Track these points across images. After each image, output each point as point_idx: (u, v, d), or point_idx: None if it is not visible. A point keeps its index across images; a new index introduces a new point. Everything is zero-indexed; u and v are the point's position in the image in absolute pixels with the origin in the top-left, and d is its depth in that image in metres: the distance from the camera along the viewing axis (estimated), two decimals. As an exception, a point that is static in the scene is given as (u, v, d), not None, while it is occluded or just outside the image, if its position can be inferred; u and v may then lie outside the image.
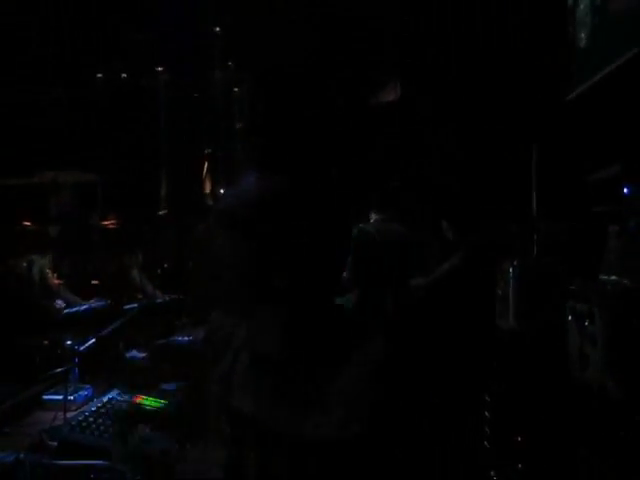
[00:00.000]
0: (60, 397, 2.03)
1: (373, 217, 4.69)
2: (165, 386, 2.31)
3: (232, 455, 1.34)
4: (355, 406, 1.26)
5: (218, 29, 8.45)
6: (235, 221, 1.30)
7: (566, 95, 5.61)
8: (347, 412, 1.24)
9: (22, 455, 1.59)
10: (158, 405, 2.03)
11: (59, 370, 2.22)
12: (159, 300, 3.86)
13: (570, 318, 2.66)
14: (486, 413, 3.72)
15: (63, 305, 5.05)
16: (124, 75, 9.24)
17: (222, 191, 4.50)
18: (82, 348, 2.31)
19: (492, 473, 3.42)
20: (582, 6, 5.32)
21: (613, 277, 3.02)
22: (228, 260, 1.30)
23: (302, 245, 1.27)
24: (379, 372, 1.33)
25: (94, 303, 5.10)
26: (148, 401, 2.05)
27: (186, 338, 2.82)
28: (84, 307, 5.10)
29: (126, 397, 2.05)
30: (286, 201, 1.28)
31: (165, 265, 5.07)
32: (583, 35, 5.28)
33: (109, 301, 3.58)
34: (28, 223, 5.95)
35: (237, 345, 1.29)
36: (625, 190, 3.99)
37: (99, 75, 9.16)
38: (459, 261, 4.93)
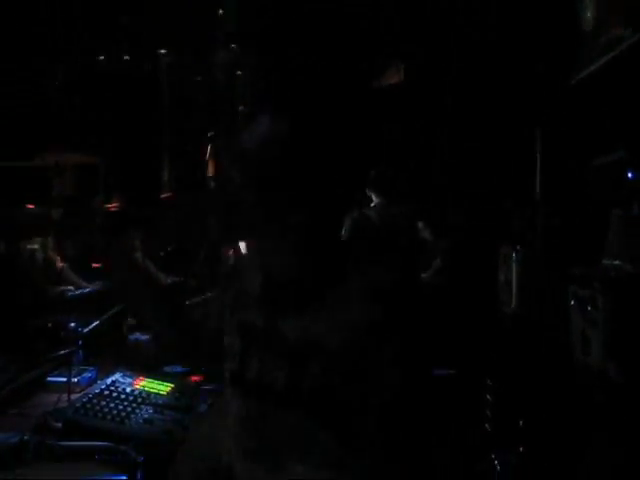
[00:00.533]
0: (64, 379, 2.05)
1: (375, 202, 4.70)
2: (168, 368, 2.33)
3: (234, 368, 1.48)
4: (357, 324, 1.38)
5: (221, 11, 8.40)
6: (249, 162, 1.40)
7: (571, 79, 5.58)
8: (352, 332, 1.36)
9: (27, 436, 1.61)
10: (161, 387, 2.04)
11: (63, 352, 2.23)
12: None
13: (573, 303, 2.66)
14: (488, 396, 3.73)
15: (67, 287, 5.07)
16: (126, 57, 9.20)
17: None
18: (86, 330, 2.32)
19: (493, 456, 3.44)
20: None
21: (616, 262, 3.02)
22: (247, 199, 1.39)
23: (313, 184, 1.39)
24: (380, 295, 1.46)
25: (97, 285, 5.12)
26: (151, 383, 2.06)
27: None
28: (87, 289, 5.12)
29: (130, 379, 2.06)
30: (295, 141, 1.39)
31: (169, 248, 5.08)
32: (589, 17, 5.24)
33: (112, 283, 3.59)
34: (31, 206, 5.96)
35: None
36: (629, 175, 3.98)
37: (101, 57, 9.12)
38: (442, 263, 4.98)
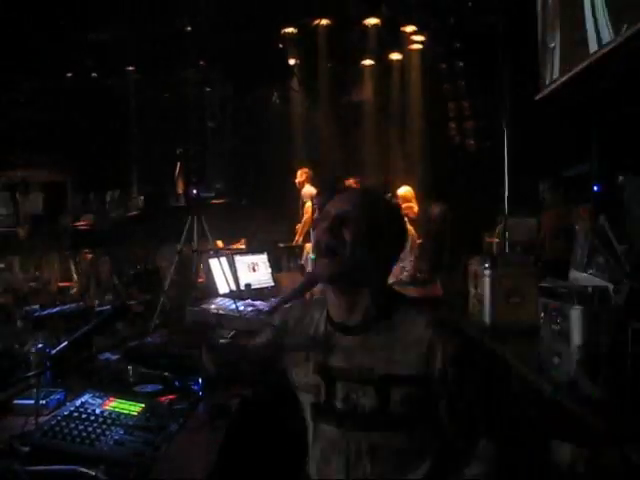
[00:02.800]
0: (31, 402, 2.00)
1: None
2: (139, 388, 2.29)
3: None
4: None
5: (189, 28, 8.40)
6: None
7: (536, 94, 5.68)
8: None
9: (-8, 462, 1.57)
10: (132, 407, 2.01)
11: (30, 374, 2.19)
12: (132, 302, 3.83)
13: (542, 315, 2.69)
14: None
15: (34, 307, 4.97)
16: (94, 74, 9.14)
17: (195, 191, 4.47)
18: (54, 351, 2.28)
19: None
20: (551, 8, 5.38)
21: (584, 274, 3.06)
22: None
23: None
24: None
25: (66, 305, 5.03)
26: (121, 404, 2.03)
27: (159, 339, 2.80)
28: (56, 309, 5.02)
29: (99, 400, 2.03)
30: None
31: (138, 266, 5.03)
32: (552, 35, 5.34)
33: (81, 303, 3.54)
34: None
35: None
36: (595, 188, 4.07)
37: (69, 74, 9.05)
38: None
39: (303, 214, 7.45)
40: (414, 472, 1.68)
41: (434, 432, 1.69)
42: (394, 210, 1.88)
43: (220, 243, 5.67)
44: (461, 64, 8.96)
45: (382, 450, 1.68)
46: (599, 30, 4.22)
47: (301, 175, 7.63)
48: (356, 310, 1.73)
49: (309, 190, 7.43)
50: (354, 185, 7.18)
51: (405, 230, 1.86)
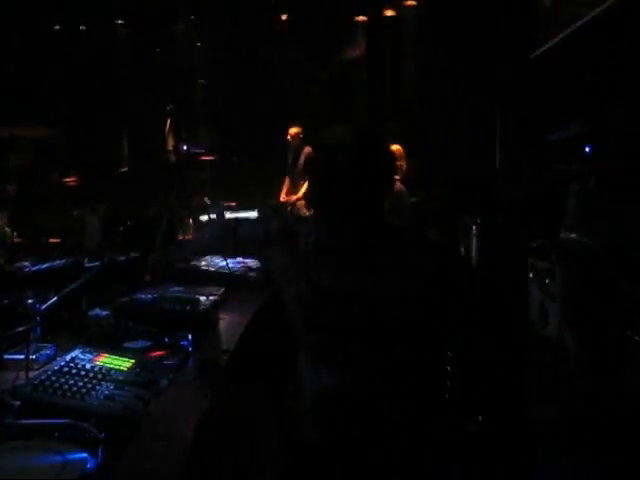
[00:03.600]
0: (22, 356, 2.01)
1: None
2: (128, 344, 2.31)
3: None
4: None
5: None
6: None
7: (530, 54, 5.63)
8: None
9: (-17, 415, 1.58)
10: (122, 363, 2.02)
11: (20, 329, 2.19)
12: (121, 258, 3.82)
13: (531, 275, 2.70)
14: (447, 368, 3.78)
15: (24, 263, 4.95)
16: (83, 28, 8.98)
17: (185, 147, 4.44)
18: (44, 307, 2.28)
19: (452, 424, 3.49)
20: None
21: (573, 235, 3.07)
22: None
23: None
24: None
25: (55, 261, 5.01)
26: (111, 359, 2.04)
27: (150, 296, 2.80)
28: (45, 265, 5.01)
29: (90, 355, 2.04)
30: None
31: (128, 222, 5.01)
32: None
33: (71, 259, 3.53)
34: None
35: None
36: (586, 149, 4.05)
37: (57, 27, 8.88)
38: None
39: (298, 174, 7.33)
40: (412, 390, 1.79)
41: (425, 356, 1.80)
42: (384, 144, 1.93)
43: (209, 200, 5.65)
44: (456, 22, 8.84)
45: (379, 357, 1.76)
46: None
47: (296, 135, 7.50)
48: (346, 234, 1.84)
49: (309, 151, 7.30)
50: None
51: (392, 169, 1.95)
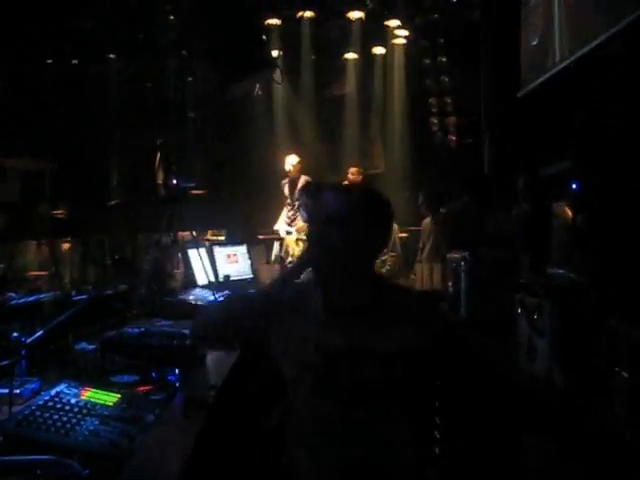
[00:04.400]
0: (6, 391, 1.98)
1: None
2: (115, 379, 2.28)
3: None
4: None
5: (172, 17, 8.33)
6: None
7: (517, 91, 5.71)
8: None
9: (-35, 451, 1.55)
10: (108, 398, 2.00)
11: (5, 363, 2.17)
12: (109, 292, 3.81)
13: (520, 311, 2.71)
14: (436, 403, 3.76)
15: (10, 295, 4.91)
16: (75, 61, 9.04)
17: (174, 181, 4.44)
18: (29, 340, 2.26)
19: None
20: (533, 3, 5.41)
21: (560, 270, 3.09)
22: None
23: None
24: None
25: (42, 294, 4.98)
26: (97, 394, 2.02)
27: (137, 330, 2.78)
28: (32, 298, 4.97)
29: (75, 390, 2.02)
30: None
31: (116, 256, 5.00)
32: (533, 35, 5.37)
33: (58, 292, 3.51)
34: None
35: None
36: (573, 186, 4.09)
37: (49, 61, 8.93)
38: None
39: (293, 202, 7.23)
40: (408, 446, 1.92)
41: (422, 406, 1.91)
42: (383, 207, 2.01)
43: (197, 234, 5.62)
44: (444, 59, 8.98)
45: (382, 421, 1.87)
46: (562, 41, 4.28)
47: (297, 165, 7.38)
48: (350, 294, 1.96)
49: (305, 180, 7.23)
50: (355, 175, 7.11)
51: (390, 224, 2.05)
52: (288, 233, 6.93)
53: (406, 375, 1.87)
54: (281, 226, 7.16)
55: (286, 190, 7.37)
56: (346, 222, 1.89)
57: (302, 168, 7.35)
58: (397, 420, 1.91)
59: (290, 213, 7.28)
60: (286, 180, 7.38)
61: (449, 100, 9.01)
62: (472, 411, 1.84)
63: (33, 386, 2.11)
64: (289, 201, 7.33)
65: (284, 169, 7.36)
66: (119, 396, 2.02)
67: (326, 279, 1.98)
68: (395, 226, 5.80)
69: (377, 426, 1.87)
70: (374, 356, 1.86)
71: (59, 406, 1.87)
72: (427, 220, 6.36)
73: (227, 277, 4.03)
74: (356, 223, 1.90)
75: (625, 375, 1.96)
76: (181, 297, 3.59)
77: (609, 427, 1.99)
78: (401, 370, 1.86)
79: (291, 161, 7.31)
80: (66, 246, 5.98)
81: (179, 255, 4.21)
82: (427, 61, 9.14)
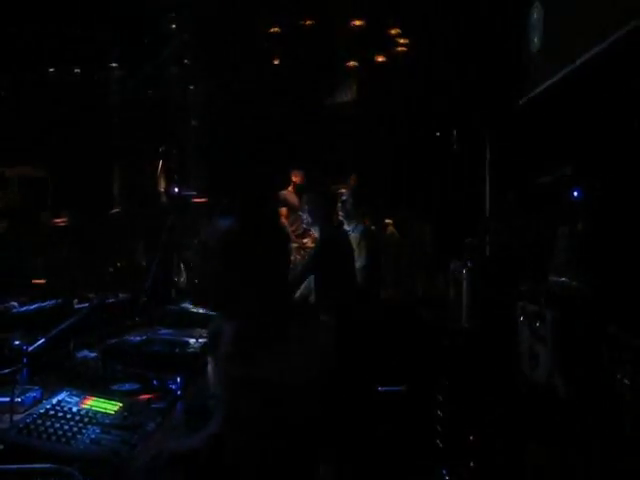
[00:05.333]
0: (7, 399, 1.98)
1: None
2: (116, 387, 2.28)
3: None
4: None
5: (174, 26, 8.37)
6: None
7: (518, 99, 5.72)
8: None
9: (-34, 459, 1.55)
10: (109, 406, 2.00)
11: (6, 371, 2.17)
12: (111, 300, 3.81)
13: (521, 318, 2.71)
14: (439, 412, 3.76)
15: (11, 303, 4.92)
16: (77, 70, 9.07)
17: (176, 189, 4.46)
18: (31, 348, 2.26)
19: (444, 472, 3.47)
20: (535, 14, 5.43)
21: (562, 278, 3.09)
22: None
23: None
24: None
25: (44, 302, 4.98)
26: (99, 402, 2.02)
27: (138, 338, 2.79)
28: (34, 306, 4.98)
29: (76, 398, 2.02)
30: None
31: (118, 264, 5.01)
32: (536, 41, 5.39)
33: (60, 300, 3.51)
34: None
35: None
36: (574, 193, 4.09)
37: (51, 69, 8.97)
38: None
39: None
40: None
41: None
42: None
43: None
44: (445, 66, 8.99)
45: None
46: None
47: (302, 181, 7.40)
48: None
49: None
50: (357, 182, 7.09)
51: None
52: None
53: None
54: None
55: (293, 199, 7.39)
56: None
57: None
58: None
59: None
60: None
61: (450, 106, 9.02)
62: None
63: (34, 394, 2.11)
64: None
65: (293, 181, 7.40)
66: (120, 404, 2.02)
67: None
68: (395, 232, 5.80)
69: None
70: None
71: (60, 414, 1.87)
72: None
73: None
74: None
75: (626, 382, 1.96)
76: (183, 305, 3.59)
77: (611, 433, 1.99)
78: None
79: (298, 179, 7.35)
80: (67, 254, 5.98)
81: (181, 263, 4.22)
82: (428, 68, 9.15)
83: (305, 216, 4.71)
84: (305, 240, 6.59)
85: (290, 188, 7.48)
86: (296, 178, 7.48)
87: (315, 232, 4.78)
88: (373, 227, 5.72)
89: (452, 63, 7.87)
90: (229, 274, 1.78)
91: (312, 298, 4.26)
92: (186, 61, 9.05)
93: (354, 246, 4.72)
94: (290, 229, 6.90)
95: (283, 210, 7.17)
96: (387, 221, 6.42)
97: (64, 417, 1.86)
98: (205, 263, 1.88)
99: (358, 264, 4.69)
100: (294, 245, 6.67)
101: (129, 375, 2.37)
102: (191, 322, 3.17)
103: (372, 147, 9.25)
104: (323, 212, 4.61)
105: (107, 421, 1.88)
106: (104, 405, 2.00)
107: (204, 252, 1.91)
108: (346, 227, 4.97)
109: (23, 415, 1.89)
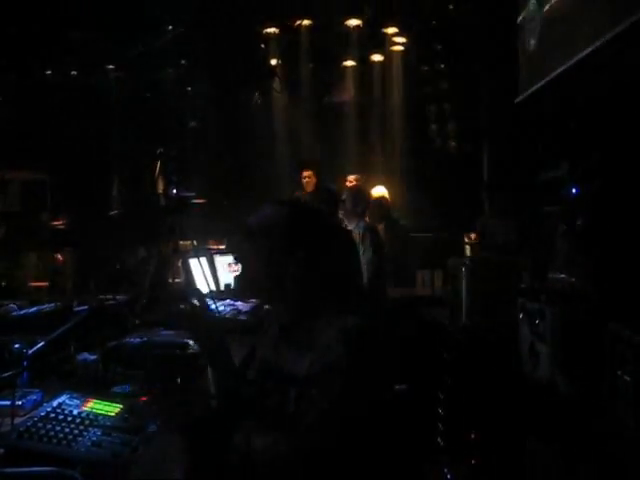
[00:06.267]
0: (7, 402, 1.98)
1: None
2: (117, 389, 2.28)
3: None
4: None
5: (171, 27, 8.36)
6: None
7: (515, 97, 5.72)
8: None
9: (-33, 464, 1.55)
10: (110, 408, 2.00)
11: (6, 374, 2.16)
12: (110, 302, 3.81)
13: (521, 316, 2.71)
14: (439, 410, 3.76)
15: (11, 306, 4.91)
16: (74, 72, 9.06)
17: (175, 191, 4.45)
18: (31, 351, 2.25)
19: (446, 470, 3.47)
20: (531, 10, 5.43)
21: (562, 275, 3.09)
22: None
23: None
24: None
25: (44, 305, 4.97)
26: (99, 405, 2.02)
27: (138, 340, 2.78)
28: (33, 309, 4.97)
29: (77, 401, 2.01)
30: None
31: (117, 266, 5.00)
32: (532, 40, 5.39)
33: (59, 303, 3.51)
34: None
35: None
36: (573, 190, 4.10)
37: (48, 72, 8.96)
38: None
39: None
40: None
41: None
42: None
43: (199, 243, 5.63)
44: (442, 66, 8.99)
45: None
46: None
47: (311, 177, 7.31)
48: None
49: None
50: (356, 182, 7.08)
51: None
52: None
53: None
54: None
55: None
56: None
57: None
58: None
59: None
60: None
61: (448, 106, 9.02)
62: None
63: (35, 397, 2.11)
64: None
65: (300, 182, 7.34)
66: (121, 406, 2.02)
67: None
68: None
69: None
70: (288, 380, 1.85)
71: (61, 417, 1.87)
72: None
73: (228, 286, 4.02)
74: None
75: (628, 379, 1.95)
76: (182, 306, 3.58)
77: (612, 430, 1.99)
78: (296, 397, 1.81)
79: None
80: (67, 256, 5.98)
81: (180, 264, 4.21)
82: (425, 68, 9.15)
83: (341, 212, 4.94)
84: None
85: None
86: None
87: (352, 227, 4.89)
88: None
89: (448, 60, 7.88)
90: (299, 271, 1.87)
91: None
92: (183, 62, 9.05)
93: (358, 242, 4.75)
94: None
95: None
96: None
97: (65, 420, 1.86)
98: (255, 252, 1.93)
99: (364, 260, 4.72)
100: None
101: (129, 377, 2.37)
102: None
103: (372, 147, 9.26)
104: (362, 208, 5.01)
105: (108, 423, 1.88)
106: (105, 407, 1.99)
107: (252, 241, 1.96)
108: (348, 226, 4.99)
109: (24, 418, 1.89)
